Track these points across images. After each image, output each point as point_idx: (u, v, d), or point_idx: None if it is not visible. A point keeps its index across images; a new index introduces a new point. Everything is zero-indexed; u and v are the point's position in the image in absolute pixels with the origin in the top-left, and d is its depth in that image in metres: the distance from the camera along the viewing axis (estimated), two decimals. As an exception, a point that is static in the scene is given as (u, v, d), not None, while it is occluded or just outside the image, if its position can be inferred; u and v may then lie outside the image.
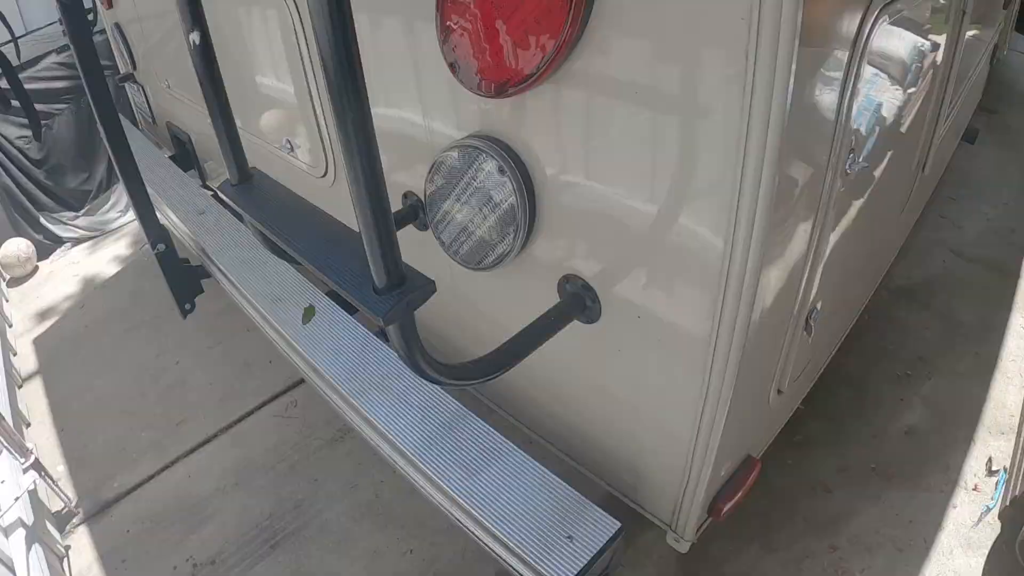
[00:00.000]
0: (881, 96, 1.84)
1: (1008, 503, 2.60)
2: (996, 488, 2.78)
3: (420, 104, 1.92)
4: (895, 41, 1.81)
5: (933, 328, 3.62)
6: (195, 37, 1.53)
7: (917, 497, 2.79)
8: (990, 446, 2.98)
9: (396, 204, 2.16)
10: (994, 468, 2.87)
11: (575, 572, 1.61)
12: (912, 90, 2.17)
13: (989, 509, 2.71)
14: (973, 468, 2.89)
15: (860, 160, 1.72)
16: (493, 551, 1.74)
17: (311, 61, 2.29)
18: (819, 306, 1.95)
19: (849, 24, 1.49)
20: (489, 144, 1.70)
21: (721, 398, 1.62)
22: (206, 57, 1.55)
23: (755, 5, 1.14)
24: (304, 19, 2.21)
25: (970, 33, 2.76)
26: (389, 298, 1.17)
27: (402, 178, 2.13)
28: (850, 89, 1.55)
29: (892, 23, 1.67)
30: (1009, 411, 3.12)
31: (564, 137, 1.58)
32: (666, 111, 1.37)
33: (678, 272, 1.54)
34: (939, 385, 3.29)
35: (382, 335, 2.32)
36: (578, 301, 1.76)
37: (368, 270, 1.19)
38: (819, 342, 2.28)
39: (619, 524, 1.69)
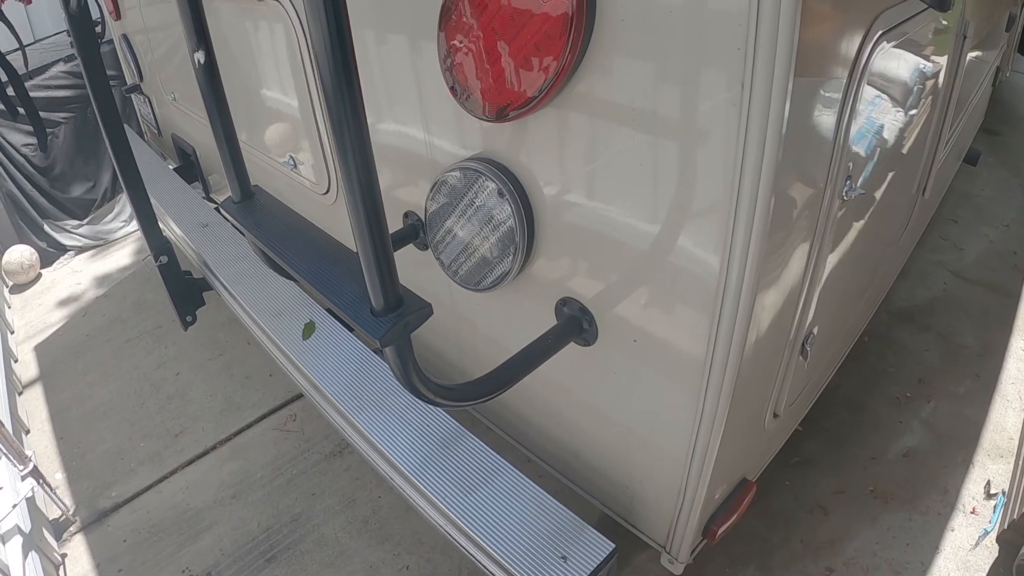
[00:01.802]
0: (881, 119, 1.85)
1: (1006, 526, 2.60)
2: (994, 511, 2.78)
3: (421, 125, 1.94)
4: (895, 64, 1.82)
5: (933, 350, 3.62)
6: (200, 56, 1.54)
7: (915, 520, 2.79)
8: (989, 469, 2.97)
9: (397, 223, 2.18)
10: (992, 491, 2.87)
11: (569, 592, 1.62)
12: (912, 113, 2.18)
13: (987, 532, 2.70)
14: (971, 491, 2.89)
15: (857, 187, 1.73)
16: (487, 570, 1.74)
17: (315, 79, 2.30)
18: (815, 331, 1.95)
19: (847, 48, 1.50)
20: (489, 166, 1.71)
21: (716, 421, 1.63)
22: (211, 76, 1.56)
23: (751, 34, 1.16)
24: (309, 36, 2.23)
25: (972, 55, 2.77)
26: (386, 320, 1.18)
27: (403, 197, 2.14)
28: (848, 113, 1.56)
29: (892, 47, 1.68)
30: (1008, 434, 3.12)
31: (563, 160, 1.59)
32: (663, 135, 1.38)
33: (674, 295, 1.55)
34: (938, 407, 3.29)
35: (381, 353, 2.33)
36: (575, 323, 1.77)
37: (366, 291, 1.20)
38: (816, 366, 2.29)
39: (613, 545, 1.69)
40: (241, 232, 2.98)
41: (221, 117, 1.62)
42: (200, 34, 1.55)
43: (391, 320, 1.18)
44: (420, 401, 1.40)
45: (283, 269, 1.54)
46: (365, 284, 1.20)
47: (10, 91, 3.68)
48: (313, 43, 0.97)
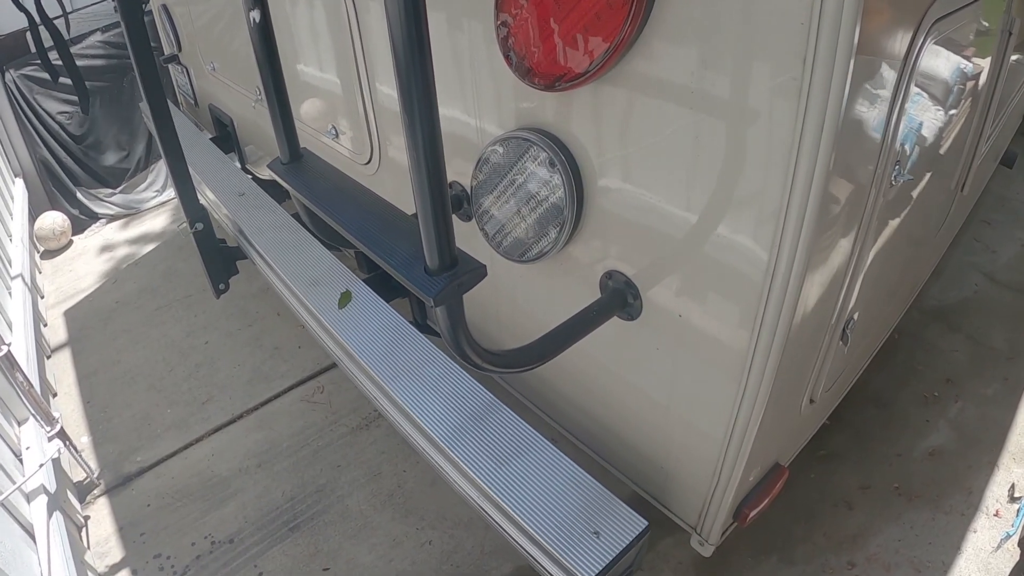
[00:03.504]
0: (930, 107, 1.84)
1: (1029, 531, 2.60)
2: (1017, 515, 2.77)
3: (470, 95, 1.94)
4: (946, 53, 1.81)
5: (963, 351, 3.60)
6: (255, 15, 1.55)
7: (938, 519, 2.78)
8: (1013, 473, 2.96)
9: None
10: (1016, 495, 2.85)
11: (601, 567, 1.61)
12: (958, 104, 2.16)
13: (1009, 536, 2.69)
14: (995, 494, 2.87)
15: (905, 172, 1.72)
16: (517, 542, 1.74)
17: (361, 50, 2.31)
18: (856, 316, 1.95)
19: (904, 32, 1.49)
20: (540, 137, 1.70)
21: (756, 404, 1.62)
22: (265, 36, 1.57)
23: (815, 8, 1.15)
24: (358, 7, 2.23)
25: (1015, 55, 2.75)
26: (440, 279, 1.19)
27: (448, 167, 2.13)
28: (899, 103, 1.55)
29: (942, 39, 1.67)
30: (1035, 438, 3.11)
31: (615, 135, 1.59)
32: (720, 112, 1.37)
33: (720, 278, 1.55)
34: (966, 408, 3.27)
35: (417, 324, 2.33)
36: (620, 297, 1.76)
37: (419, 251, 1.21)
38: (853, 354, 2.28)
39: (646, 523, 1.68)
40: (279, 198, 3.02)
41: (274, 78, 1.63)
42: (256, -5, 1.56)
43: (445, 279, 1.19)
44: (464, 364, 1.40)
45: (330, 231, 1.55)
46: (417, 244, 1.20)
47: (53, 55, 3.72)
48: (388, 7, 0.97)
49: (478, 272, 1.22)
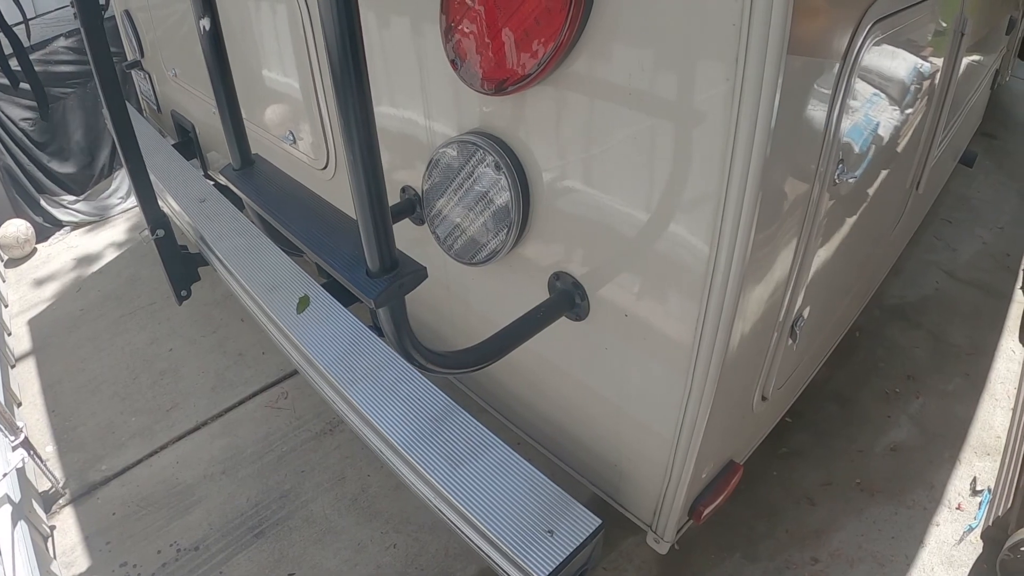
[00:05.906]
0: (873, 105, 1.86)
1: (991, 523, 2.62)
2: (979, 508, 2.80)
3: (420, 100, 1.94)
4: (889, 52, 1.83)
5: (923, 348, 3.64)
6: (205, 23, 1.55)
7: (900, 514, 2.81)
8: (975, 466, 2.99)
9: (394, 197, 2.19)
10: (978, 488, 2.89)
11: (554, 566, 1.62)
12: (906, 102, 2.19)
13: (972, 528, 2.72)
14: (957, 487, 2.90)
15: (849, 170, 1.74)
16: (473, 543, 1.75)
17: (317, 54, 2.31)
18: (805, 314, 1.97)
19: (841, 30, 1.52)
20: (487, 141, 1.72)
21: (703, 400, 1.64)
22: (215, 43, 1.58)
23: (745, 9, 1.17)
24: (312, 12, 2.24)
25: (969, 56, 2.78)
26: (381, 281, 1.19)
27: (400, 173, 2.15)
28: (840, 103, 1.57)
29: (887, 34, 1.70)
30: (995, 432, 3.14)
31: (560, 137, 1.60)
32: (658, 112, 1.39)
33: (664, 276, 1.56)
34: (927, 404, 3.31)
35: (376, 329, 2.33)
36: (567, 298, 1.78)
37: (362, 255, 1.21)
38: (805, 351, 2.30)
39: (600, 521, 1.70)
40: (239, 204, 3.01)
41: (224, 85, 1.63)
42: (206, 2, 1.56)
43: (386, 281, 1.20)
44: (412, 366, 1.41)
45: (281, 236, 1.55)
46: (362, 248, 1.21)
47: (13, 63, 3.69)
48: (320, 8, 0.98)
49: (418, 274, 1.23)
